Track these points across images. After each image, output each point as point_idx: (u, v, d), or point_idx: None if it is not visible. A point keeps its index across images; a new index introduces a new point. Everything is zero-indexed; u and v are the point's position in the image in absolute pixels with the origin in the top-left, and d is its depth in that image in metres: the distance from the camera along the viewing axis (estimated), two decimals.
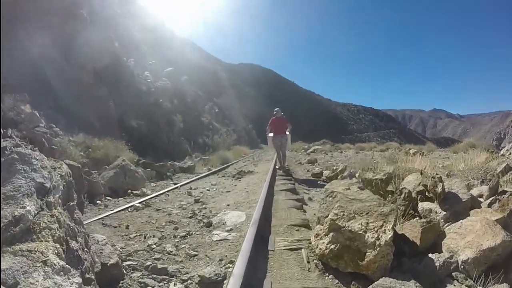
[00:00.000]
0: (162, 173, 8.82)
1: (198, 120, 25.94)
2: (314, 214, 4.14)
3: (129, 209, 5.03)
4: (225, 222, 3.91)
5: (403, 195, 3.50)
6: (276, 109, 10.12)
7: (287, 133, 10.08)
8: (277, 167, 10.22)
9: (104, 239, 2.96)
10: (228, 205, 4.87)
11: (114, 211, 4.90)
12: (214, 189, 6.68)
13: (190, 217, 4.33)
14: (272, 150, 13.34)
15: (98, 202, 5.63)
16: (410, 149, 14.70)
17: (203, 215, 4.34)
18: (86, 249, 2.04)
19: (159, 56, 26.97)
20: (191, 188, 6.79)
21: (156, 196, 5.93)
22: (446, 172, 5.37)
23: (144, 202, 5.37)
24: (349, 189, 2.90)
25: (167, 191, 6.41)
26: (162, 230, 3.92)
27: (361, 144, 25.08)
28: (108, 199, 5.86)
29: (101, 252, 2.75)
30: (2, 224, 1.42)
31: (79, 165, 5.08)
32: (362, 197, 2.69)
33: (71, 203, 2.13)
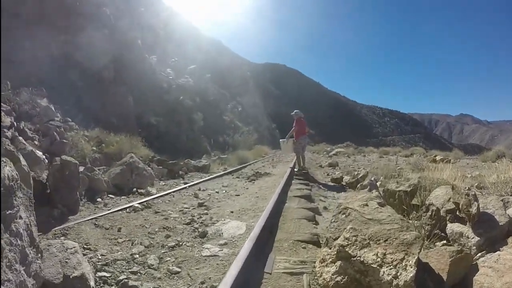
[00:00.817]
0: (174, 172, 8.48)
1: (219, 119, 25.71)
2: (327, 227, 3.58)
3: (127, 209, 4.68)
4: (222, 233, 3.43)
5: (430, 213, 2.89)
6: (295, 111, 9.68)
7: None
8: (295, 169, 9.65)
9: (74, 247, 2.58)
10: (232, 212, 4.40)
11: (111, 211, 4.57)
12: (224, 191, 6.22)
13: (187, 224, 3.89)
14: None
15: (99, 200, 5.33)
16: (436, 155, 13.76)
17: (201, 223, 3.88)
18: (16, 266, 1.60)
19: (183, 55, 27.00)
20: (199, 189, 6.38)
21: (160, 196, 5.55)
22: (476, 184, 4.62)
23: (145, 203, 5.00)
24: (366, 205, 2.35)
25: (174, 191, 6.02)
26: (153, 236, 3.52)
27: (385, 148, 24.04)
28: (110, 197, 5.56)
29: (66, 262, 2.40)
30: None
31: (76, 162, 4.82)
32: (381, 217, 2.13)
33: (9, 212, 1.70)
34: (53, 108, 9.25)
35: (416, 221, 3.07)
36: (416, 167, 8.72)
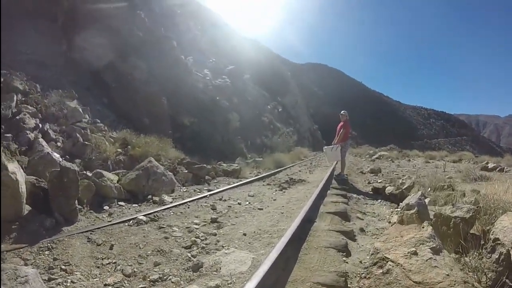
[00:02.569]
0: (199, 176, 7.81)
1: (258, 119, 24.96)
2: (360, 262, 2.58)
3: (130, 222, 4.01)
4: (220, 268, 2.57)
5: (496, 255, 1.81)
6: (344, 111, 8.48)
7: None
8: (335, 174, 8.53)
9: (26, 276, 2.03)
10: (245, 234, 3.51)
11: (111, 223, 3.92)
12: (247, 203, 5.34)
13: (187, 248, 3.09)
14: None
15: (106, 208, 4.77)
16: (488, 162, 11.96)
17: (202, 248, 3.06)
18: None
19: (222, 56, 26.72)
20: (221, 199, 5.57)
21: (174, 207, 4.84)
22: None
23: (153, 215, 4.31)
24: (415, 253, 1.58)
25: (190, 201, 5.28)
26: (141, 261, 2.80)
27: (431, 152, 22.01)
28: (120, 205, 4.96)
29: None
30: None
31: (76, 169, 4.27)
32: (436, 279, 1.34)
33: None
34: (80, 110, 9.07)
35: (474, 260, 2.14)
36: (467, 176, 7.45)
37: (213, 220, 4.02)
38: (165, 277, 2.40)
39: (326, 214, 4.30)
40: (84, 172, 6.09)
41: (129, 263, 2.73)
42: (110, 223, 3.95)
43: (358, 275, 2.27)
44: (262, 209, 4.84)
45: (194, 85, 17.49)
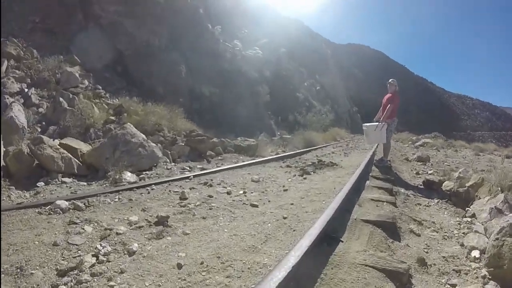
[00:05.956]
0: (199, 151, 6.25)
1: (291, 95, 22.89)
2: None
3: (47, 207, 2.57)
4: None
5: None
6: (392, 79, 6.34)
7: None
8: (375, 160, 6.55)
9: None
10: (179, 266, 1.84)
11: (20, 206, 2.63)
12: (241, 192, 3.71)
13: (60, 275, 1.57)
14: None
15: (40, 184, 3.47)
16: None
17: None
18: None
19: (255, 28, 24.60)
20: (206, 183, 4.04)
21: (126, 190, 3.39)
22: None
23: (85, 201, 2.83)
24: None
25: (158, 183, 3.78)
26: None
27: (478, 144, 19.06)
28: (62, 182, 3.69)
29: None
30: None
31: None
32: None
33: None
34: (77, 75, 8.06)
35: None
36: None
37: (160, 222, 2.43)
38: None
39: (361, 223, 2.59)
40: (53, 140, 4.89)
41: None
42: (18, 206, 2.55)
43: None
44: (257, 206, 3.17)
45: (220, 54, 15.91)
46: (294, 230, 2.42)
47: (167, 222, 2.44)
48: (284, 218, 2.72)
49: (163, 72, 11.97)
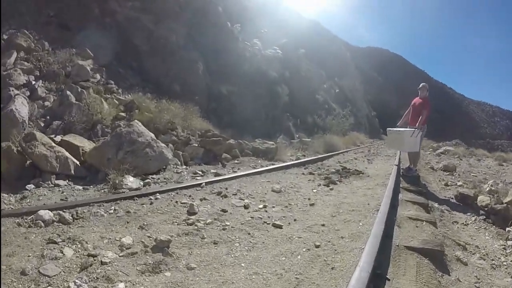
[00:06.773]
0: (214, 153, 5.71)
1: (311, 97, 22.14)
2: None
3: (28, 218, 2.11)
4: None
5: None
6: (423, 84, 5.73)
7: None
8: (402, 168, 5.85)
9: None
10: None
11: None
12: (261, 206, 3.12)
13: None
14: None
15: (29, 187, 3.01)
16: None
17: None
18: None
19: (276, 28, 24.07)
20: (220, 193, 3.45)
21: (127, 198, 2.90)
22: None
23: (73, 212, 2.36)
24: None
25: (164, 191, 3.27)
26: None
27: (501, 154, 17.80)
28: (55, 185, 3.22)
29: None
30: None
31: None
32: None
33: None
34: (88, 69, 7.69)
35: None
36: None
37: (159, 247, 1.87)
38: None
39: (405, 251, 2.06)
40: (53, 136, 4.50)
41: None
42: None
43: None
44: (281, 227, 2.57)
45: (239, 53, 15.39)
46: (332, 268, 1.83)
47: (168, 248, 1.89)
48: (317, 247, 2.13)
49: (179, 70, 11.55)
